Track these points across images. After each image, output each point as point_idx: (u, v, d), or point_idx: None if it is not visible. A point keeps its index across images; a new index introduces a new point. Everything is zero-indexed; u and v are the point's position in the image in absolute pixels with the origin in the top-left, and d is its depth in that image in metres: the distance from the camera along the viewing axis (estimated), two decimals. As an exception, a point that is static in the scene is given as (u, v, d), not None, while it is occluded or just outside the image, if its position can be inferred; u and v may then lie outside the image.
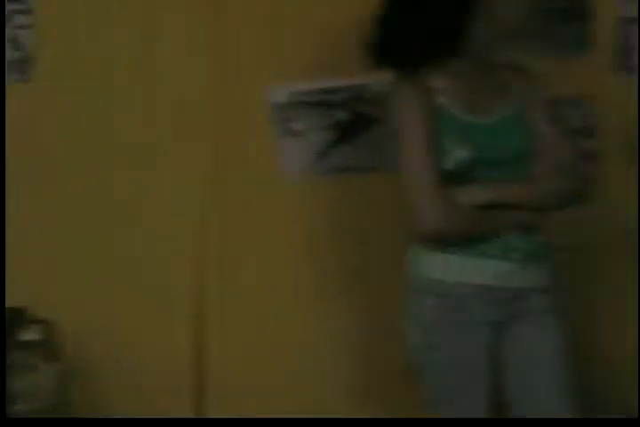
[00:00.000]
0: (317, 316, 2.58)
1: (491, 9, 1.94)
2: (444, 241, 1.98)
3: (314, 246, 2.50)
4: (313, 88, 2.32)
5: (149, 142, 2.36)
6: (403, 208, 1.89)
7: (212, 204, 2.44)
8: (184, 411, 2.48)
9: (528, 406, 2.07)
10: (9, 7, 2.28)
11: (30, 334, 2.36)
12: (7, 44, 2.23)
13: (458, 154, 1.96)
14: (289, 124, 2.32)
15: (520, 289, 2.04)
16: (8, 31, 2.25)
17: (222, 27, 2.34)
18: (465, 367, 1.99)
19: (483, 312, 1.98)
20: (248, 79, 2.34)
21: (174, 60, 2.36)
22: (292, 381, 2.54)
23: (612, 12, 2.47)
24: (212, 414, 2.47)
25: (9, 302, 2.29)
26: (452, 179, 1.94)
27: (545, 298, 2.07)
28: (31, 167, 2.32)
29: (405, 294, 2.04)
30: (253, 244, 2.46)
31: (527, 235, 2.02)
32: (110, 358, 2.35)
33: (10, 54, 2.21)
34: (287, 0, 2.37)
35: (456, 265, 2.03)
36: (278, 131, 2.35)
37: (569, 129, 2.26)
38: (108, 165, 2.31)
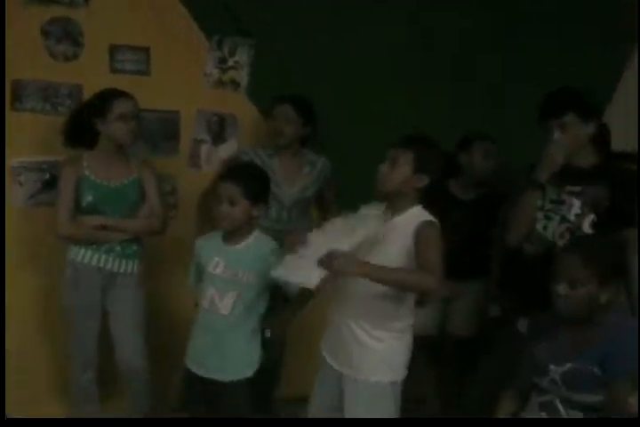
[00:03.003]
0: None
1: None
2: (73, 240, 3.25)
3: (33, 253, 3.63)
4: (33, 161, 3.56)
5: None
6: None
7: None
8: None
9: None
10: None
11: None
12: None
13: (86, 198, 3.24)
14: (18, 177, 3.56)
15: (115, 272, 3.35)
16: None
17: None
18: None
19: (95, 281, 3.31)
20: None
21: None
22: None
23: (190, 134, 3.86)
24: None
25: None
26: (88, 211, 3.25)
27: (131, 279, 3.39)
28: None
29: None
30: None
31: (124, 243, 3.33)
32: None
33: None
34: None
35: (82, 253, 3.31)
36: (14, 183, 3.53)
37: (164, 191, 3.62)
38: None
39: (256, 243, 2.95)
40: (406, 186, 2.71)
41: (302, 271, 2.52)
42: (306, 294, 2.93)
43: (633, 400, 2.41)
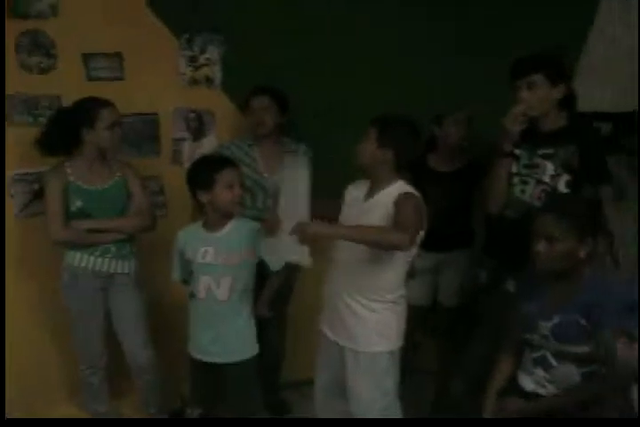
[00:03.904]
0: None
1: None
2: (67, 245, 3.28)
3: (32, 261, 3.69)
4: (21, 172, 3.59)
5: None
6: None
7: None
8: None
9: None
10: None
11: None
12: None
13: (75, 204, 3.28)
14: (9, 190, 3.59)
15: (112, 273, 3.39)
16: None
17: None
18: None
19: (93, 284, 3.34)
20: None
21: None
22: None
23: (169, 134, 3.91)
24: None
25: None
26: (78, 216, 3.28)
27: (129, 278, 3.43)
28: None
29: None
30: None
31: (118, 244, 3.37)
32: None
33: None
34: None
35: (78, 257, 3.36)
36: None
37: (149, 191, 3.67)
38: None
39: (238, 225, 3.05)
40: (373, 160, 2.87)
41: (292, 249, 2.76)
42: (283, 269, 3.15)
43: (621, 346, 2.48)
